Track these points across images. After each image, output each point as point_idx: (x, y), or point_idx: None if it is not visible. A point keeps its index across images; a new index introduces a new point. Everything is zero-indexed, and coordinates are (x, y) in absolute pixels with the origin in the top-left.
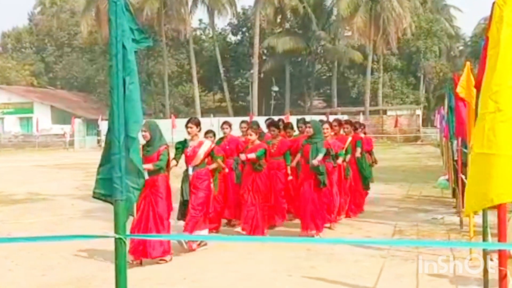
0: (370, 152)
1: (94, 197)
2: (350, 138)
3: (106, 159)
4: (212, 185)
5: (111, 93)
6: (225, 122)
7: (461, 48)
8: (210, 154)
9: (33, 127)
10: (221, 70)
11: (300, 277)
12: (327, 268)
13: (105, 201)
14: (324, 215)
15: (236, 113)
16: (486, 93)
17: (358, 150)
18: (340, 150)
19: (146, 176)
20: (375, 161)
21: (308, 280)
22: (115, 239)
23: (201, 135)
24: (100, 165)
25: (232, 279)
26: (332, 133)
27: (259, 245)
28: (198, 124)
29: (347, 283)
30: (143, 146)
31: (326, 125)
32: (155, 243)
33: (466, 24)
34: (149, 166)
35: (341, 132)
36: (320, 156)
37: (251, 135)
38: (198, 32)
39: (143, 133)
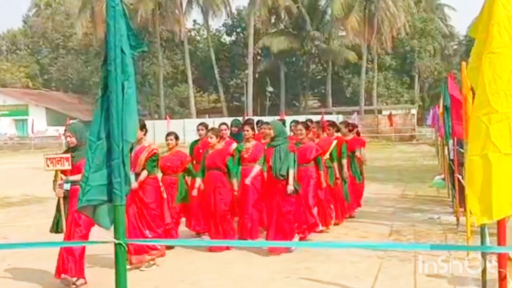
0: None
1: (79, 209)
2: (335, 142)
3: (100, 165)
4: (164, 194)
5: (110, 98)
6: (201, 124)
7: (455, 47)
8: (150, 160)
9: (29, 129)
10: (216, 70)
11: (297, 279)
12: (324, 269)
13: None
14: (292, 228)
15: (231, 114)
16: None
17: (358, 152)
18: (317, 155)
19: None
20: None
21: (305, 282)
22: (115, 244)
23: (150, 138)
24: (93, 172)
25: (229, 281)
26: (310, 135)
27: (255, 247)
28: (142, 127)
29: (344, 284)
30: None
31: (300, 126)
32: None
33: (460, 23)
34: (77, 177)
35: (337, 133)
36: (292, 173)
37: (211, 137)
38: (192, 33)
39: (68, 139)
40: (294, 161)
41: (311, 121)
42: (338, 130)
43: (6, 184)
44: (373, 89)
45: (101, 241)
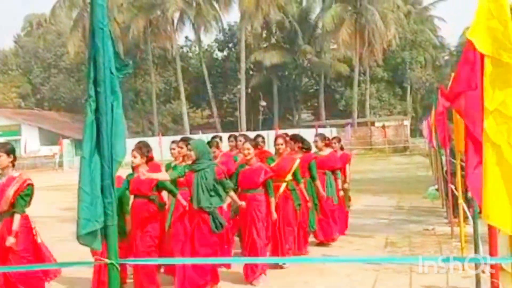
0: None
1: (80, 242)
2: (298, 160)
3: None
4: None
5: (100, 119)
6: (180, 141)
7: (446, 57)
8: (22, 195)
9: (21, 149)
10: (209, 86)
11: None
12: (319, 283)
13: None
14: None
15: (225, 129)
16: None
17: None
18: (266, 178)
19: None
20: (348, 199)
21: None
22: (108, 264)
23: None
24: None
25: None
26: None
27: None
28: (10, 152)
29: None
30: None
31: (280, 140)
32: None
33: (451, 34)
34: None
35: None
36: (225, 205)
37: (135, 157)
38: (184, 49)
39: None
40: (226, 189)
41: (286, 135)
42: (307, 148)
43: None
44: (365, 101)
45: (93, 262)
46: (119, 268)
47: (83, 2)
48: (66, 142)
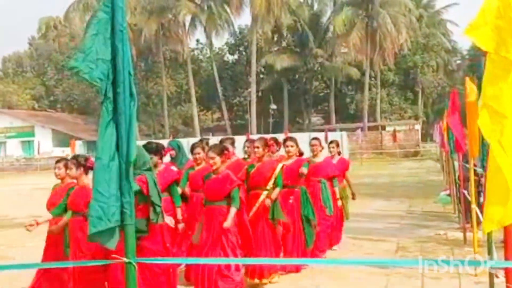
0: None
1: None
2: (280, 165)
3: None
4: None
5: (119, 120)
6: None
7: (458, 62)
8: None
9: (35, 150)
10: (219, 89)
11: None
12: (331, 286)
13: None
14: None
15: (235, 132)
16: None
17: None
18: (232, 188)
19: None
20: (353, 195)
21: None
22: (125, 263)
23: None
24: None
25: None
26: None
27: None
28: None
29: None
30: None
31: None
32: None
33: (463, 38)
34: None
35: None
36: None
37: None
38: (195, 53)
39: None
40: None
41: (275, 139)
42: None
43: (12, 205)
44: (376, 105)
45: (111, 260)
46: (136, 267)
47: (97, 5)
48: (78, 143)
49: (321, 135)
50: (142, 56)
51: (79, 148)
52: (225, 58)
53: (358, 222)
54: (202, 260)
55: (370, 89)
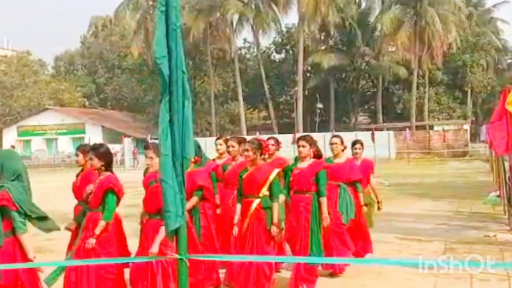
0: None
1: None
2: (276, 171)
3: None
4: None
5: (173, 118)
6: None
7: (509, 61)
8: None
9: None
10: (266, 87)
11: None
12: (377, 287)
13: None
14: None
15: (281, 130)
16: None
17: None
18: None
19: None
20: (378, 205)
21: None
22: (178, 259)
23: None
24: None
25: None
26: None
27: None
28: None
29: None
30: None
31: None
32: None
33: None
34: None
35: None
36: None
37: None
38: (242, 51)
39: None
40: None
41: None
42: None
43: (63, 200)
44: (424, 104)
45: (162, 256)
46: (187, 264)
47: (147, 4)
48: (127, 140)
49: (367, 135)
50: (190, 54)
51: (128, 145)
52: (272, 57)
53: (406, 222)
54: (247, 258)
55: (418, 88)
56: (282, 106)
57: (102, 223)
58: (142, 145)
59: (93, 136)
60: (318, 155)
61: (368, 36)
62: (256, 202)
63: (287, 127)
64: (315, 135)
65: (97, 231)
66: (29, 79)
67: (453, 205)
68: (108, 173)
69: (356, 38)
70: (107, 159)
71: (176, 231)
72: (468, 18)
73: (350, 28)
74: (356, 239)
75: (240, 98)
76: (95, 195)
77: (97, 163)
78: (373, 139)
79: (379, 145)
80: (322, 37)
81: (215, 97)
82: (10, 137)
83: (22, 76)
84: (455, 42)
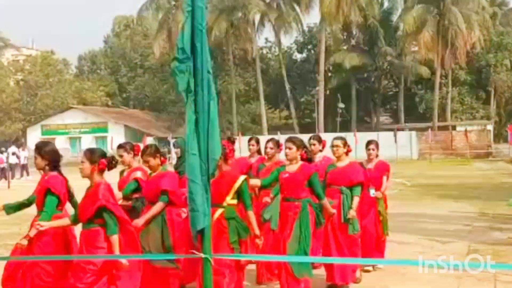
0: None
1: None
2: (241, 178)
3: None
4: None
5: (198, 118)
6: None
7: None
8: None
9: (108, 146)
10: (287, 87)
11: None
12: None
13: None
14: None
15: (303, 130)
16: None
17: (371, 190)
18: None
19: None
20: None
21: None
22: (202, 258)
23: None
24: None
25: None
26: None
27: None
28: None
29: None
30: None
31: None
32: None
33: None
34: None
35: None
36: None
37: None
38: (264, 51)
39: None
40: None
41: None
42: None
43: None
44: (447, 104)
45: (187, 255)
46: (212, 263)
47: (169, 4)
48: (149, 139)
49: (389, 135)
50: (211, 54)
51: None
52: (294, 57)
53: (428, 224)
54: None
55: (440, 88)
56: (303, 106)
57: (39, 224)
58: (164, 144)
59: (116, 135)
60: (307, 158)
61: (391, 36)
62: (218, 212)
63: (309, 127)
64: (336, 135)
65: (32, 232)
66: (53, 78)
67: (477, 206)
68: (53, 173)
69: (378, 38)
70: (52, 158)
71: (201, 231)
72: (492, 18)
73: (372, 27)
74: (370, 251)
75: (261, 97)
76: (38, 196)
77: (40, 162)
78: (395, 139)
79: (401, 145)
80: (344, 37)
81: (236, 96)
82: (34, 135)
83: (46, 75)
84: (479, 41)
